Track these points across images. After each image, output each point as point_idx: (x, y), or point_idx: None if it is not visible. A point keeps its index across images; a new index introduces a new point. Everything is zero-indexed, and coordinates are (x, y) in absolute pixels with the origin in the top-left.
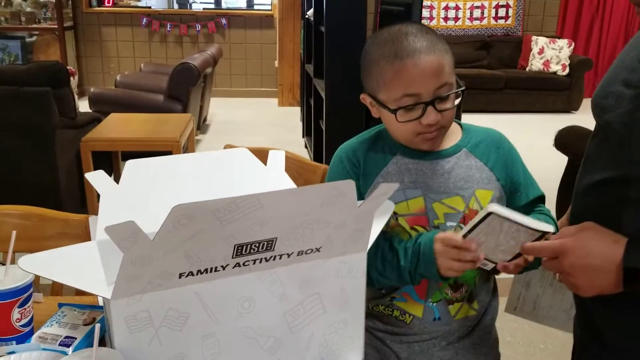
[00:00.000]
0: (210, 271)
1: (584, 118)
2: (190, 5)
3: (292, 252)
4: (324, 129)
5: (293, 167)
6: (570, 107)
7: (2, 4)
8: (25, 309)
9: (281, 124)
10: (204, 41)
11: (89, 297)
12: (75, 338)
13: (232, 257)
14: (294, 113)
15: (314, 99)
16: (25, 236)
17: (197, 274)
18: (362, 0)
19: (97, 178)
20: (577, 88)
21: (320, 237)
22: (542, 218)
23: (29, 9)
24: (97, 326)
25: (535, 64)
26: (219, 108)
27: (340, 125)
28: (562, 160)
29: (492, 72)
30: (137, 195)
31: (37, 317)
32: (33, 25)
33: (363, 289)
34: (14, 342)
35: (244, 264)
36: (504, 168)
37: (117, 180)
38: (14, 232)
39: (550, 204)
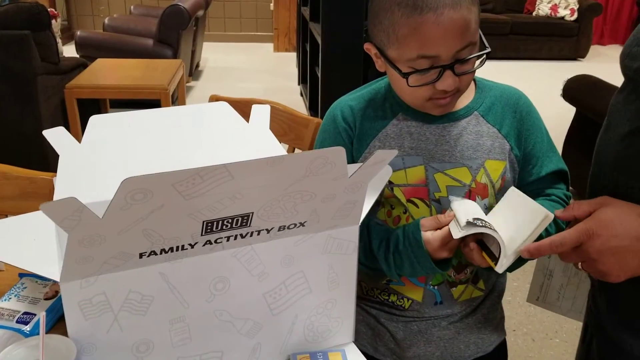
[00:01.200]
0: (177, 250)
1: (592, 66)
2: None
3: (272, 228)
4: (319, 76)
5: (283, 120)
6: (577, 54)
7: None
8: None
9: (276, 71)
10: None
11: None
12: (34, 314)
13: (202, 235)
14: (290, 59)
15: (310, 45)
16: None
17: (160, 253)
18: None
19: (56, 136)
20: (586, 34)
21: (304, 210)
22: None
23: None
24: (43, 315)
25: (543, 8)
26: (212, 53)
27: (337, 74)
28: (569, 110)
29: (497, 17)
30: (98, 157)
31: None
32: None
33: (354, 266)
34: None
35: (215, 241)
36: (519, 135)
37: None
38: None
39: None
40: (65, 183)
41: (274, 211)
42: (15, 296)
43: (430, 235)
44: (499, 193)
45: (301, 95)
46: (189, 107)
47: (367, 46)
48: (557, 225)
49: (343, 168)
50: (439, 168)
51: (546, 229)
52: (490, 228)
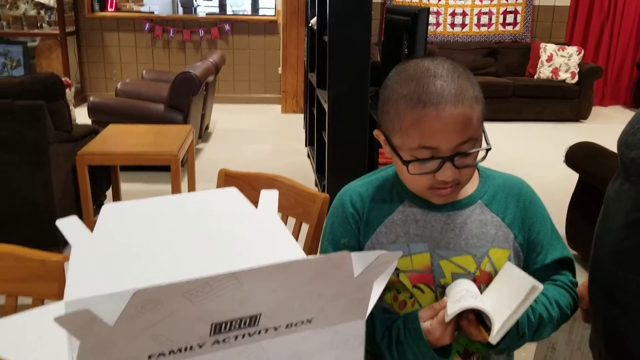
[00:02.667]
0: (185, 350)
1: (593, 127)
2: (195, 10)
3: (280, 326)
4: (326, 141)
5: (291, 194)
6: (579, 115)
7: (8, 7)
8: None
9: (284, 132)
10: (207, 47)
11: None
12: None
13: (210, 335)
14: (297, 120)
15: (317, 109)
16: (0, 278)
17: (169, 354)
18: (367, 11)
19: (68, 225)
20: (587, 96)
21: (311, 309)
22: (550, 297)
23: (32, 12)
24: None
25: (544, 71)
26: (221, 115)
27: (343, 139)
28: (573, 174)
29: (500, 80)
30: (111, 249)
31: None
32: (35, 30)
33: (361, 359)
34: None
35: (223, 341)
36: (522, 224)
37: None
38: None
39: (560, 222)
40: (77, 276)
41: (281, 311)
42: None
43: (429, 325)
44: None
45: (308, 157)
46: (200, 194)
47: (376, 132)
48: (562, 310)
49: (349, 271)
50: (445, 255)
51: (549, 315)
52: (475, 301)
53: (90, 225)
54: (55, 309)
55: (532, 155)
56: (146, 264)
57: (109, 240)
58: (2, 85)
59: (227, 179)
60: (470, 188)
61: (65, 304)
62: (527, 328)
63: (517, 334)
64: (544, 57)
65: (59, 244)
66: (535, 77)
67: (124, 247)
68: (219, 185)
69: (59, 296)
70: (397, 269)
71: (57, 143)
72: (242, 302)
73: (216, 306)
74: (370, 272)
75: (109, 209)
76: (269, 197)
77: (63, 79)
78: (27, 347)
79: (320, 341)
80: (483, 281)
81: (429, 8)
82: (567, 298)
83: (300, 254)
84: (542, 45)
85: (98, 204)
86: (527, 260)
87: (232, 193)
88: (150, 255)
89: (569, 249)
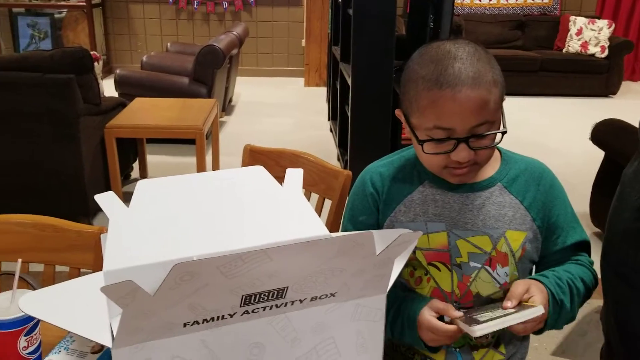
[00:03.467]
0: (217, 319)
1: (623, 102)
2: None
3: (305, 298)
4: (349, 115)
5: (314, 171)
6: (608, 90)
7: None
8: (32, 336)
9: (307, 106)
10: (230, 19)
11: None
12: None
13: (240, 306)
14: (320, 94)
15: (340, 83)
16: (39, 247)
17: (202, 323)
18: None
19: (106, 200)
20: (616, 71)
21: (335, 283)
22: (574, 273)
23: None
24: None
25: (573, 45)
26: (244, 88)
27: (366, 114)
28: (599, 151)
29: (527, 53)
30: (146, 221)
31: (48, 339)
32: (62, 2)
33: (381, 332)
34: None
35: (252, 311)
36: (542, 207)
37: (142, 165)
38: (19, 261)
39: (584, 199)
40: (115, 247)
41: (307, 285)
42: (64, 349)
43: (433, 325)
44: (520, 262)
45: (331, 131)
46: (229, 172)
47: (398, 112)
48: (585, 285)
49: (372, 249)
50: (462, 235)
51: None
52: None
53: (119, 197)
54: (96, 278)
55: (558, 131)
56: (179, 237)
57: (144, 214)
58: (32, 59)
59: (252, 154)
60: (490, 170)
61: (105, 274)
62: (562, 294)
63: (555, 302)
64: (573, 30)
65: (89, 214)
66: (564, 50)
67: (159, 220)
68: (244, 160)
69: (94, 266)
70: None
71: (87, 116)
72: (270, 276)
73: (247, 279)
74: (391, 250)
75: (144, 184)
76: (294, 176)
77: (92, 52)
78: (71, 314)
79: (342, 313)
80: (498, 261)
81: None
82: (589, 275)
83: (324, 231)
84: (572, 18)
85: (125, 175)
86: (547, 242)
87: (259, 171)
88: (183, 229)
89: (592, 226)
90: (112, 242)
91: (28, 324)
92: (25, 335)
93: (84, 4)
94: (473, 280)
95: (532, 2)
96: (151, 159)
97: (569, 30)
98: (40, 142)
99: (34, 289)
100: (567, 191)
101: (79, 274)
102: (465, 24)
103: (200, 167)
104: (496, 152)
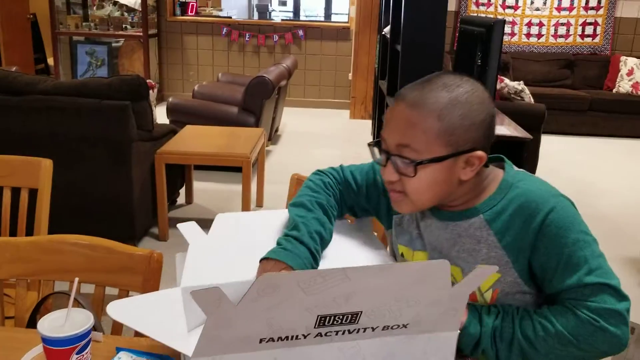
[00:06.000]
0: (291, 339)
1: None
2: (270, 14)
3: (377, 327)
4: None
5: None
6: None
7: (95, 7)
8: (83, 355)
9: (352, 137)
10: (280, 51)
11: (147, 339)
12: None
13: (315, 327)
14: (365, 127)
15: None
16: (91, 268)
17: (277, 340)
18: (441, 20)
19: (188, 228)
20: None
21: (408, 314)
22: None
23: (117, 14)
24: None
25: (624, 85)
26: (291, 118)
27: None
28: None
29: (576, 93)
30: (223, 248)
31: (96, 359)
32: (119, 32)
33: None
34: None
35: (325, 334)
36: (522, 250)
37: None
38: (77, 280)
39: (634, 243)
40: (193, 266)
41: (381, 312)
42: None
43: None
44: (494, 305)
45: None
46: None
47: None
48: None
49: (447, 279)
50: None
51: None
52: None
53: (165, 221)
54: (172, 294)
55: (608, 171)
56: (253, 263)
57: (221, 242)
58: (91, 86)
59: (298, 183)
60: (476, 200)
61: (182, 290)
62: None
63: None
64: (624, 70)
65: (135, 237)
66: (614, 91)
67: (234, 248)
68: (290, 189)
69: (142, 288)
70: (402, 254)
71: (139, 141)
72: (347, 298)
73: (324, 298)
74: (467, 282)
75: (221, 217)
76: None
77: (147, 81)
78: (153, 323)
79: (413, 347)
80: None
81: (504, 20)
82: (573, 322)
83: (387, 258)
84: (623, 58)
85: (172, 200)
86: (543, 286)
87: None
88: (254, 255)
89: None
90: (190, 263)
91: (80, 342)
92: (77, 354)
93: (141, 34)
94: None
95: (582, 41)
96: (197, 185)
97: (619, 71)
98: (94, 166)
99: (85, 309)
100: (614, 234)
101: (127, 296)
102: (513, 62)
103: (246, 195)
104: (497, 177)
